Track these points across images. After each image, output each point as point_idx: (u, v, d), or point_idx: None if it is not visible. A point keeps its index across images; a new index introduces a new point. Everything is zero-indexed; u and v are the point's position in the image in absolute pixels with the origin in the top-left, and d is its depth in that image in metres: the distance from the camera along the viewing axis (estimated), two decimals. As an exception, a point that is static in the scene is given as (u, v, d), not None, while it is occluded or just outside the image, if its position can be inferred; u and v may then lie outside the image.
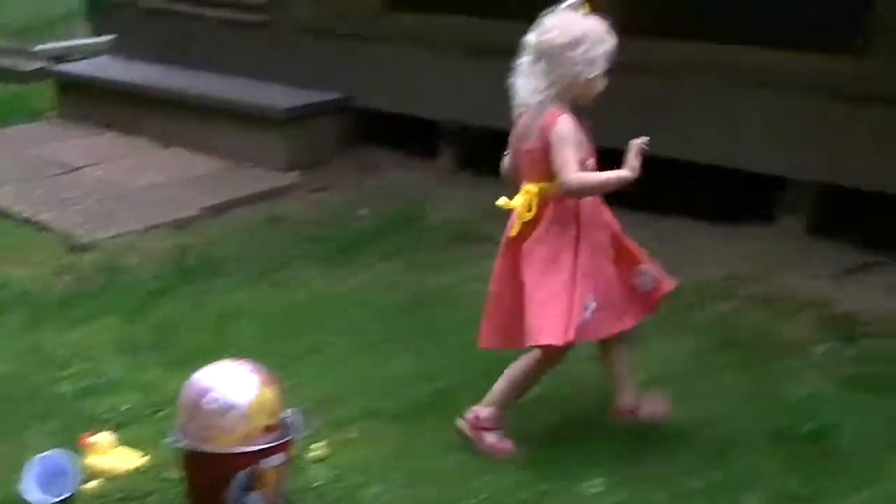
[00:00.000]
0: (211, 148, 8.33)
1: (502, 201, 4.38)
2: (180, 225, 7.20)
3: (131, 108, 8.85)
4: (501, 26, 7.32)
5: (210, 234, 7.03)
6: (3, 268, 6.59)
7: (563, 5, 4.36)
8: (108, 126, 8.98)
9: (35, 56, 10.61)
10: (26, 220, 7.26)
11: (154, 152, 8.43)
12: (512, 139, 4.50)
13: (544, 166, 4.31)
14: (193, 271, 6.48)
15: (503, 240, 4.46)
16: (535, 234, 4.36)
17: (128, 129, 8.83)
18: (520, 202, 4.34)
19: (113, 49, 9.80)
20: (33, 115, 9.50)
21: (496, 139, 7.36)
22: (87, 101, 9.22)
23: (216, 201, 7.52)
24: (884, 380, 4.82)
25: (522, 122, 4.42)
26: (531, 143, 4.35)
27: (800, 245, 6.26)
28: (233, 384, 3.98)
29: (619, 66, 4.30)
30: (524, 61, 4.41)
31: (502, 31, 7.24)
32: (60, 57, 10.47)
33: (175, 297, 6.12)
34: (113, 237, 6.98)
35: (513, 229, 4.40)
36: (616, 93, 4.35)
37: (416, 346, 5.41)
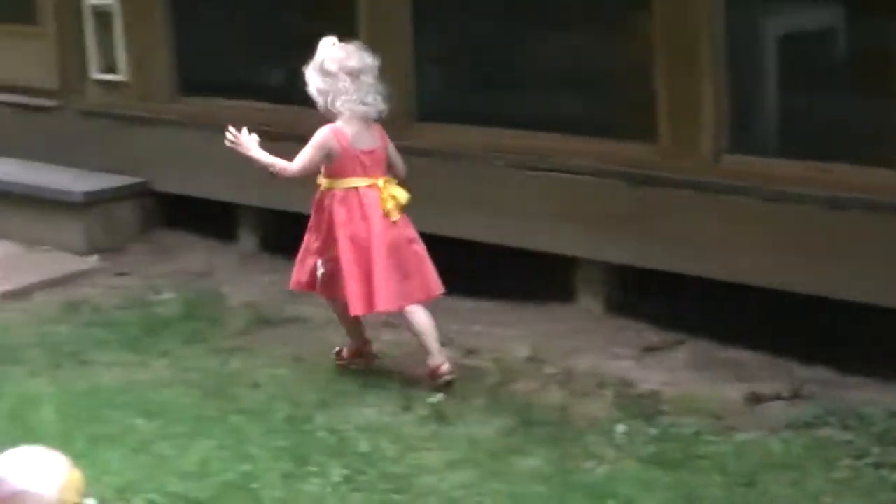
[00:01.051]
0: (7, 233, 8.21)
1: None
2: (-27, 313, 7.07)
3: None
4: (289, 112, 7.44)
5: (8, 320, 6.92)
6: None
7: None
8: None
9: None
10: None
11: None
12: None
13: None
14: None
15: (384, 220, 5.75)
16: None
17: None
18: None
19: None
20: None
21: (293, 221, 7.47)
22: None
23: (13, 286, 7.41)
24: (682, 458, 4.95)
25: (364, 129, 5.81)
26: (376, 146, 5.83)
27: (600, 324, 6.43)
28: (32, 473, 3.90)
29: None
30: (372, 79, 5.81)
31: (290, 117, 7.40)
32: None
33: (-30, 385, 6.00)
34: None
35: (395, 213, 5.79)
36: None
37: (220, 430, 5.40)
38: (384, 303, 5.77)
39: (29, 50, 8.65)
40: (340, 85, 5.75)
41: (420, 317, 5.85)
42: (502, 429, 5.31)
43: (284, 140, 7.35)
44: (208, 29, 7.98)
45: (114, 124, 8.25)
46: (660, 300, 6.40)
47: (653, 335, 6.22)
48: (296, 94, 7.55)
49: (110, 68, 8.25)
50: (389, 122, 5.90)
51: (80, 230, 8.01)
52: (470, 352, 6.19)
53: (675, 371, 5.86)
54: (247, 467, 5.04)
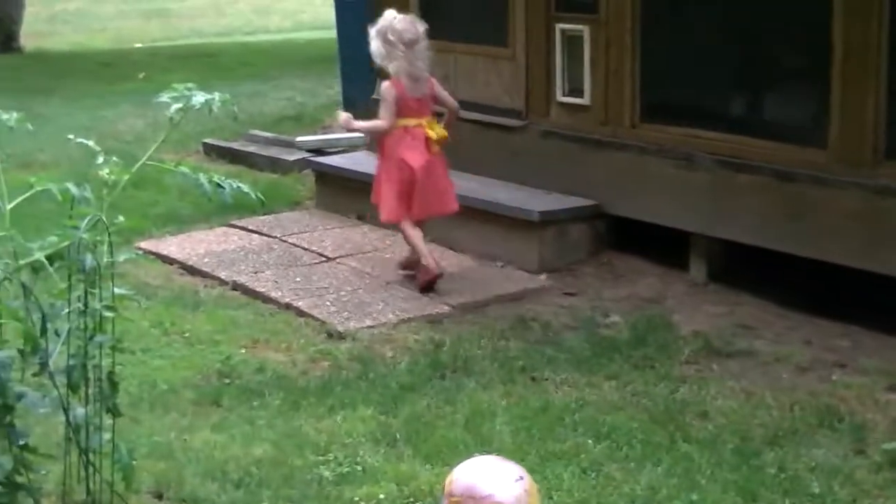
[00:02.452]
0: (463, 246, 8.45)
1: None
2: (433, 320, 7.31)
3: (385, 202, 9.04)
4: (757, 144, 7.37)
5: (462, 331, 7.11)
6: (262, 352, 6.78)
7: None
8: (361, 218, 9.19)
9: (295, 147, 10.96)
10: (286, 306, 7.46)
11: (406, 247, 8.58)
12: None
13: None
14: (445, 367, 6.56)
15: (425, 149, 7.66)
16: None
17: (381, 222, 9.01)
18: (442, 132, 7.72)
19: (369, 145, 10.04)
20: (292, 205, 9.79)
21: (747, 254, 7.39)
22: (342, 193, 9.45)
23: (468, 299, 7.62)
24: None
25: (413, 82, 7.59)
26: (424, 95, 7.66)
27: None
28: (497, 481, 4.00)
29: None
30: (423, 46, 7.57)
31: (758, 149, 7.33)
32: (318, 150, 10.79)
33: (428, 391, 6.21)
34: (368, 327, 7.12)
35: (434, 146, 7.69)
36: None
37: (669, 457, 5.39)
38: (414, 214, 7.72)
39: (497, 71, 8.90)
40: (397, 52, 7.52)
41: (411, 229, 7.73)
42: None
43: (748, 172, 7.35)
44: (674, 57, 7.98)
45: (574, 146, 8.37)
46: None
47: None
48: (761, 125, 7.53)
49: (575, 92, 8.38)
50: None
51: (533, 248, 8.17)
52: None
53: None
54: (694, 497, 5.03)
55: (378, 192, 7.87)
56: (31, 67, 17.87)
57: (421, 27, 7.60)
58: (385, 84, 7.68)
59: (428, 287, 7.69)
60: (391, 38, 7.54)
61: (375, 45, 7.61)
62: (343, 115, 7.87)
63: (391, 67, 7.62)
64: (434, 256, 7.76)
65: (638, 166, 8.02)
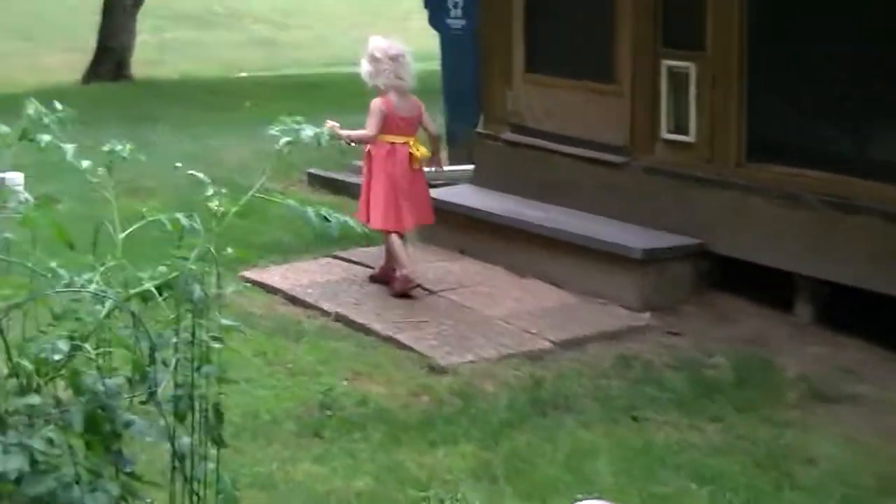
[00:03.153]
0: (564, 282, 8.42)
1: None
2: (533, 356, 7.28)
3: (487, 236, 9.05)
4: (865, 184, 7.28)
5: (562, 368, 7.08)
6: (364, 384, 6.79)
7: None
8: (463, 252, 9.19)
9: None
10: (388, 339, 7.47)
11: (508, 281, 8.58)
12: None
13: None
14: (546, 404, 6.53)
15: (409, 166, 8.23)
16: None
17: (482, 256, 9.02)
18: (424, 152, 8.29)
19: (472, 178, 10.07)
20: (395, 236, 9.80)
21: (853, 296, 7.29)
22: (444, 226, 9.45)
23: (569, 336, 7.59)
24: None
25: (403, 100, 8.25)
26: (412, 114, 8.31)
27: None
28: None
29: None
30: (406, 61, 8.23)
31: (866, 189, 7.24)
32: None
33: (528, 428, 6.19)
34: (469, 362, 7.12)
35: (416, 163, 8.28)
36: None
37: (775, 504, 5.33)
38: (400, 224, 8.25)
39: (602, 106, 8.87)
40: (383, 66, 8.13)
41: (397, 240, 8.21)
42: None
43: (852, 212, 7.26)
44: (781, 97, 7.91)
45: (677, 184, 8.32)
46: None
47: None
48: (870, 165, 7.44)
49: (680, 129, 8.33)
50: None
51: (635, 286, 8.12)
52: None
53: None
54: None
55: (366, 205, 8.31)
56: (140, 95, 18.09)
57: (404, 46, 8.31)
58: (376, 100, 8.25)
59: (403, 294, 8.16)
60: (377, 55, 8.19)
61: (364, 67, 8.26)
62: (329, 123, 7.74)
63: (379, 82, 8.21)
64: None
65: (742, 206, 7.95)
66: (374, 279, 8.46)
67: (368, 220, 8.16)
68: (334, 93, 17.46)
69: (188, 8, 27.87)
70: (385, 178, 8.24)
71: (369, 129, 8.23)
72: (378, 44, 8.27)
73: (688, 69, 8.20)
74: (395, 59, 8.22)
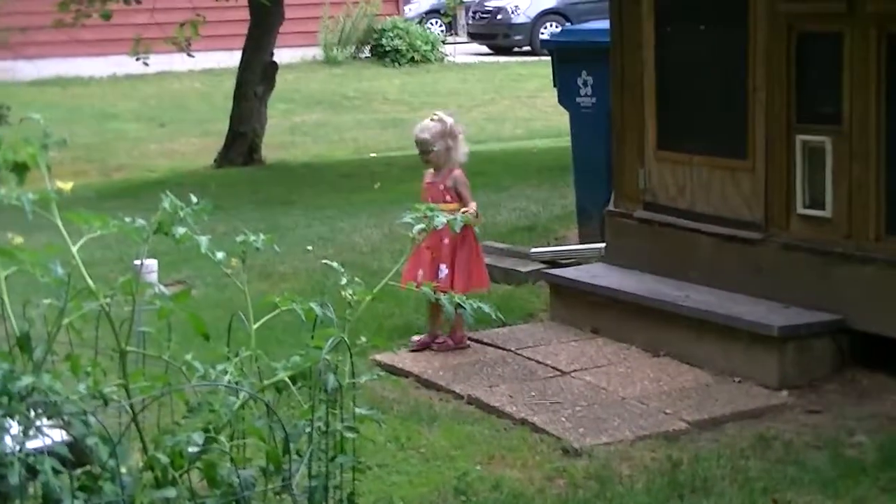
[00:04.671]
0: (699, 360, 8.31)
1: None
2: (670, 437, 7.17)
3: (620, 315, 8.97)
4: None
5: (699, 450, 6.95)
6: (498, 468, 6.73)
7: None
8: (596, 332, 9.12)
9: (530, 259, 10.96)
10: (522, 422, 7.41)
11: (643, 361, 8.49)
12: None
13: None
14: (684, 486, 6.42)
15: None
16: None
17: (616, 336, 8.94)
18: None
19: (604, 257, 10.00)
20: (526, 317, 9.75)
21: None
22: (576, 305, 9.40)
23: (706, 416, 7.47)
24: None
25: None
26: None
27: None
28: None
29: None
30: None
31: None
32: (553, 261, 10.76)
33: (667, 513, 6.07)
34: (604, 444, 7.02)
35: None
36: None
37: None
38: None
39: (737, 183, 8.77)
40: (458, 142, 8.90)
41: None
42: None
43: None
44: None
45: (815, 260, 8.17)
46: None
47: None
48: None
49: (816, 204, 8.19)
50: None
51: (773, 364, 7.97)
52: None
53: None
54: None
55: (477, 273, 8.86)
56: (272, 179, 18.35)
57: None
58: (461, 173, 8.92)
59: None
60: (455, 130, 8.93)
61: (445, 144, 8.86)
62: (466, 209, 8.64)
63: (461, 157, 8.97)
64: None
65: (883, 280, 7.78)
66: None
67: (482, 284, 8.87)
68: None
69: (319, 93, 28.26)
70: (476, 246, 8.93)
71: (472, 199, 8.89)
72: (452, 121, 8.96)
73: (823, 144, 8.08)
74: (457, 136, 8.93)
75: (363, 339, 4.45)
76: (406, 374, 8.35)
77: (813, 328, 8.03)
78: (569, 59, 11.50)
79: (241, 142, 19.82)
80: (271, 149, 20.56)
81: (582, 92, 11.40)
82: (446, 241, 8.59)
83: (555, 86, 11.82)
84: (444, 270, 8.60)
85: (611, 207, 9.95)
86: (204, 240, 4.21)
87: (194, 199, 4.17)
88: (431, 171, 8.97)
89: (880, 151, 7.81)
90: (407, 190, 13.39)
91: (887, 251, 7.80)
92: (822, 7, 8.23)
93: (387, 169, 18.51)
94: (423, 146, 8.89)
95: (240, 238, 4.34)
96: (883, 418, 7.35)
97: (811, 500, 6.21)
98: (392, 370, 8.40)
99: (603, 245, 10.17)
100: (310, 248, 11.96)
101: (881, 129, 7.79)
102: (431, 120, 8.94)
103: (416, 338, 8.91)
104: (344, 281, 4.46)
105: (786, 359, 7.96)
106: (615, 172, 9.96)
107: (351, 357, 4.40)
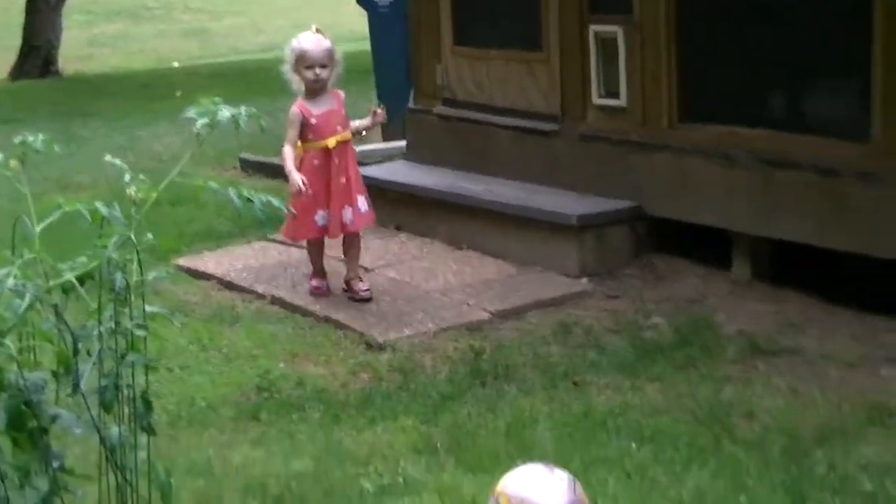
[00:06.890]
0: (501, 252, 8.39)
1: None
2: (472, 328, 7.25)
3: (423, 211, 9.00)
4: (797, 140, 7.27)
5: (502, 338, 7.05)
6: (301, 365, 6.75)
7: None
8: (399, 229, 9.14)
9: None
10: (325, 319, 7.42)
11: (446, 255, 8.54)
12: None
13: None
14: (486, 375, 6.51)
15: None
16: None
17: (419, 231, 8.98)
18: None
19: (406, 154, 10.01)
20: (329, 218, 9.72)
21: (789, 252, 7.29)
22: (379, 203, 9.38)
23: (508, 306, 7.56)
24: None
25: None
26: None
27: None
28: (547, 492, 3.93)
29: None
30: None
31: (798, 144, 7.23)
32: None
33: (469, 400, 6.16)
34: (407, 337, 7.08)
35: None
36: None
37: (715, 460, 5.31)
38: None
39: (533, 76, 8.83)
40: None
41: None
42: None
43: (787, 168, 7.25)
44: (710, 56, 7.87)
45: (611, 149, 8.29)
46: None
47: None
48: (799, 120, 7.43)
49: (611, 94, 8.30)
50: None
51: (573, 253, 8.09)
52: None
53: None
54: (742, 499, 4.95)
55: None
56: (70, 91, 17.92)
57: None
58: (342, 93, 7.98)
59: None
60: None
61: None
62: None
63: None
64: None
65: (677, 167, 7.93)
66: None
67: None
68: (267, 78, 17.32)
69: (118, 2, 27.65)
70: None
71: None
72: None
73: (615, 34, 8.16)
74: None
75: (150, 236, 4.38)
76: (208, 276, 8.27)
77: (610, 216, 8.15)
78: (364, -42, 11.43)
79: (36, 54, 19.31)
80: (70, 61, 20.07)
81: (378, -8, 11.36)
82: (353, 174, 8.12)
83: (352, -14, 11.74)
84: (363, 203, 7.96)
85: (410, 105, 9.94)
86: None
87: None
88: (303, 99, 7.73)
89: (671, 40, 7.92)
90: (212, 97, 13.14)
91: (680, 138, 7.94)
92: None
93: (189, 78, 18.22)
94: (327, 60, 7.64)
95: (18, 139, 4.23)
96: (678, 300, 7.52)
97: (610, 381, 6.35)
98: (195, 274, 8.31)
99: (404, 143, 10.18)
100: (108, 156, 11.70)
101: (671, 18, 7.90)
102: (320, 33, 7.75)
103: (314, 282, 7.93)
104: (128, 178, 4.38)
105: (585, 247, 8.08)
106: (413, 70, 9.96)
107: (138, 255, 4.33)
